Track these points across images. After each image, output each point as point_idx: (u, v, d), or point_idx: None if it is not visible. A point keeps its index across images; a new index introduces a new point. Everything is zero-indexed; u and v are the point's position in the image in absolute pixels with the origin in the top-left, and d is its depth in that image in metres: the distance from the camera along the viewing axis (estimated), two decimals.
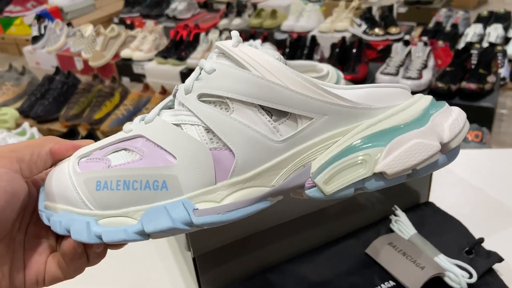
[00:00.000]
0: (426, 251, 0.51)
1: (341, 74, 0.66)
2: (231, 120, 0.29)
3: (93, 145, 0.31)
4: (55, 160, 0.31)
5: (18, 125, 1.89)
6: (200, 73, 0.30)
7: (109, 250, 0.31)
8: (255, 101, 0.29)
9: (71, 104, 1.88)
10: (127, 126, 0.31)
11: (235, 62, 0.29)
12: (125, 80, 2.50)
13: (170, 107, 0.32)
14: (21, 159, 0.29)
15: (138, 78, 2.45)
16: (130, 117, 1.79)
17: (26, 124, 1.71)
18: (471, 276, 0.48)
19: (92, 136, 1.63)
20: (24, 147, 0.29)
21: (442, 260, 0.50)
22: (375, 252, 0.53)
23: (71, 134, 1.67)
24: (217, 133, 0.29)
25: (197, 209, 0.28)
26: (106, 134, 1.74)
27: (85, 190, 0.28)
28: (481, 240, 0.53)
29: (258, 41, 0.58)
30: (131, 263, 0.59)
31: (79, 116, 1.84)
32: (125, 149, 0.30)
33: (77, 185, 0.29)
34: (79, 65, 2.65)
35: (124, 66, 2.48)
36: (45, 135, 1.80)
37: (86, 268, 0.31)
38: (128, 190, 0.28)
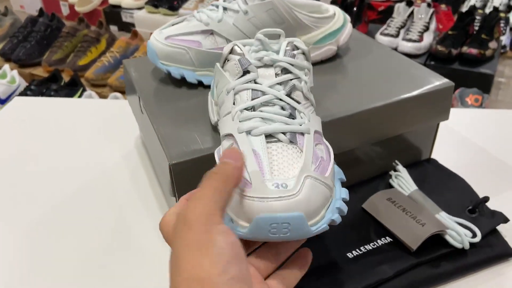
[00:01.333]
0: (427, 208, 0.48)
1: (347, 16, 0.60)
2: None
3: (304, 159, 0.32)
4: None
5: None
6: (305, 73, 0.38)
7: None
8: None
9: (55, 48, 1.79)
10: (293, 127, 0.34)
11: (308, 58, 0.40)
12: (113, 29, 2.39)
13: (291, 114, 0.35)
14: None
15: (127, 27, 2.34)
16: (116, 65, 1.70)
17: (6, 67, 1.62)
18: (474, 235, 0.45)
19: (75, 82, 1.56)
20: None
21: (444, 218, 0.47)
22: (372, 207, 0.50)
23: (53, 79, 1.59)
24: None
25: None
26: (91, 82, 1.66)
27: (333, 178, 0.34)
28: (486, 199, 0.49)
29: None
30: (113, 211, 0.55)
31: (62, 61, 1.75)
32: (319, 143, 0.35)
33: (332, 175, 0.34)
34: (65, 10, 2.52)
35: (112, 14, 2.36)
36: (26, 79, 1.71)
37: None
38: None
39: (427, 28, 1.71)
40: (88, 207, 0.55)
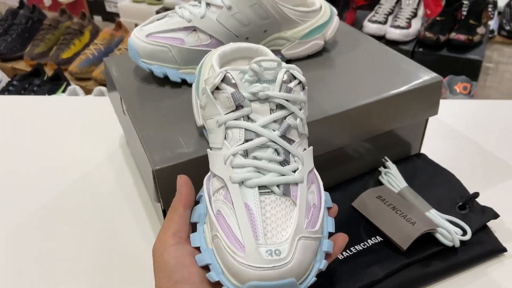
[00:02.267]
0: (417, 205, 0.47)
1: (334, 10, 0.58)
2: None
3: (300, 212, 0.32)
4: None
5: None
6: (301, 107, 0.37)
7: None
8: None
9: (37, 41, 1.74)
10: (287, 178, 0.33)
11: (305, 87, 0.37)
12: (97, 19, 2.34)
13: (285, 160, 0.34)
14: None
15: (111, 17, 2.29)
16: (100, 58, 1.67)
17: None
18: (464, 233, 0.45)
19: (59, 76, 1.52)
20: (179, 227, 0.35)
21: (434, 216, 0.46)
22: (362, 205, 0.49)
23: (36, 73, 1.55)
24: None
25: None
26: (75, 75, 1.62)
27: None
28: (476, 195, 0.49)
29: None
30: (98, 211, 0.54)
31: (45, 55, 1.71)
32: (312, 183, 0.35)
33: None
34: (47, 1, 2.45)
35: (96, 4, 2.31)
36: (8, 74, 1.67)
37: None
38: None
39: (415, 14, 1.70)
40: (72, 208, 0.54)
